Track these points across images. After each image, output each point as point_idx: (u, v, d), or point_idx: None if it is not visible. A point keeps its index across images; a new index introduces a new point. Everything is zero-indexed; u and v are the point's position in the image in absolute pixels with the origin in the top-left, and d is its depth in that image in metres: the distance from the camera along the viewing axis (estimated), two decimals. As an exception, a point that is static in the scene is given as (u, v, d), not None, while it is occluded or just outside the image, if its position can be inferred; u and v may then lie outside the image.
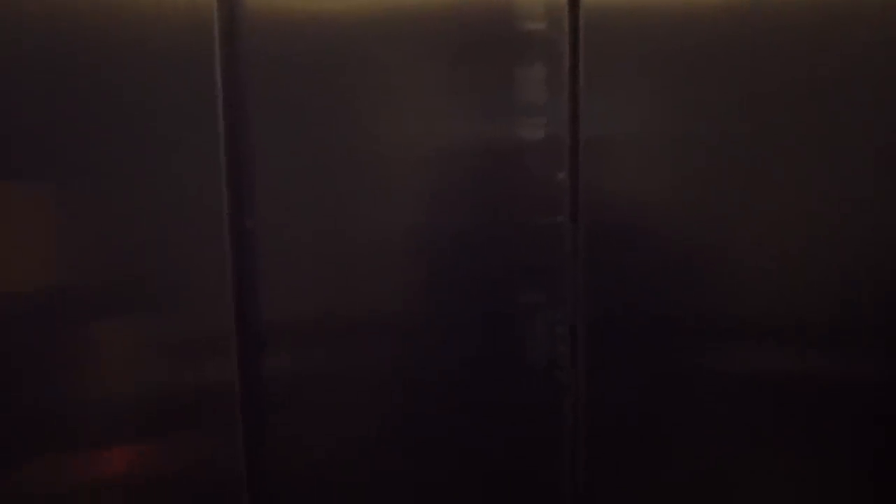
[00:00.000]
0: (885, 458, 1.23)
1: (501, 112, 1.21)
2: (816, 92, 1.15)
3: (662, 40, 1.16)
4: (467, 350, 1.28)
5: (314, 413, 1.33)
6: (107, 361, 1.34)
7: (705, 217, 1.21)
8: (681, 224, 1.22)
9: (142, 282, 1.30)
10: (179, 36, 1.21)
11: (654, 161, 1.20)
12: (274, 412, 1.32)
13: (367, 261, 1.27)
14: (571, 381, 1.24)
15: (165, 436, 1.35)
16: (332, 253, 1.28)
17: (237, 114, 1.22)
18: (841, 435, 1.23)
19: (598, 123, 1.18)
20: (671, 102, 1.18)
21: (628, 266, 1.21)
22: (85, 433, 1.34)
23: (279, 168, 1.25)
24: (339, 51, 1.21)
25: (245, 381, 1.30)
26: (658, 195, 1.21)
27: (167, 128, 1.23)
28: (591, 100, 1.17)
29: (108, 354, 1.34)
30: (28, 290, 1.30)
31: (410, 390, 1.30)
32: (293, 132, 1.24)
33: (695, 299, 1.23)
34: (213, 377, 1.31)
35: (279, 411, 1.32)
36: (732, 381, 1.23)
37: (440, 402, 1.29)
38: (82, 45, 1.22)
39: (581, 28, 1.16)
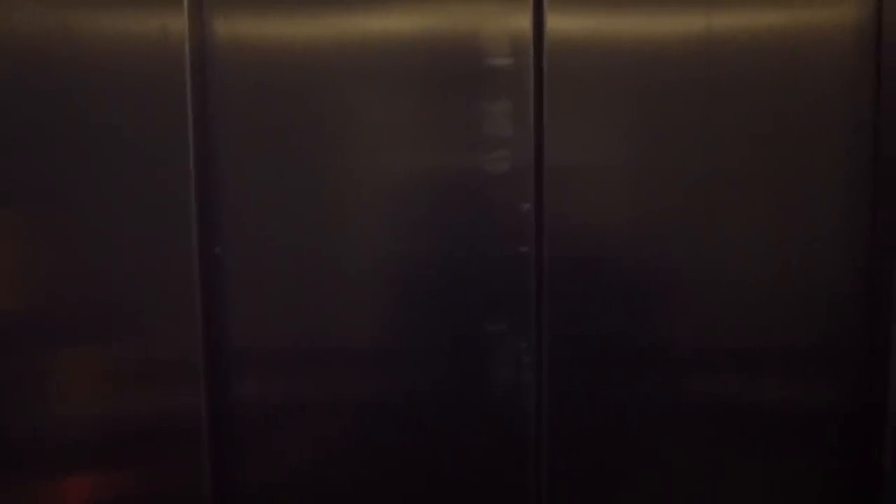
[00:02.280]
0: (844, 480, 1.26)
1: (468, 144, 1.23)
2: (774, 126, 1.20)
3: (624, 76, 1.19)
4: (434, 376, 1.29)
5: (281, 438, 1.33)
6: (74, 387, 1.33)
7: (666, 246, 1.24)
8: (643, 253, 1.25)
9: (110, 308, 1.30)
10: (151, 66, 1.21)
11: (616, 192, 1.23)
12: (241, 437, 1.32)
13: (333, 288, 1.28)
14: (535, 407, 1.26)
15: (131, 462, 1.34)
16: (300, 280, 1.28)
17: (207, 142, 1.23)
18: (799, 459, 1.26)
19: (563, 156, 1.21)
20: (633, 136, 1.21)
21: (592, 295, 1.23)
22: (50, 459, 1.33)
23: (249, 195, 1.26)
24: (308, 81, 1.23)
25: (212, 406, 1.30)
26: (620, 225, 1.24)
27: (138, 156, 1.23)
28: (555, 133, 1.20)
29: (75, 380, 1.33)
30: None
31: (377, 416, 1.31)
32: (263, 161, 1.25)
33: (656, 326, 1.25)
34: (181, 402, 1.31)
35: (246, 436, 1.32)
36: (692, 405, 1.26)
37: (407, 427, 1.30)
38: (55, 74, 1.22)
39: (545, 64, 1.19)
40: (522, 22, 1.19)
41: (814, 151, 1.20)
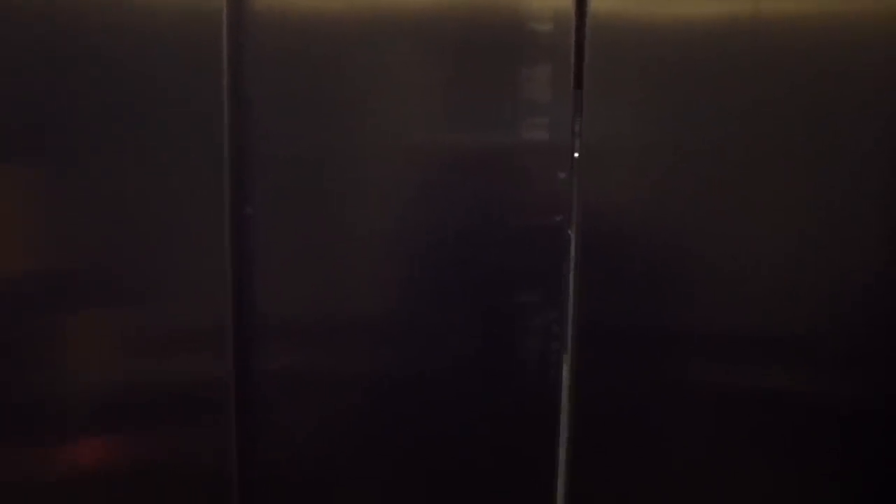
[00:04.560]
0: (873, 467, 1.23)
1: (504, 111, 1.22)
2: (816, 104, 1.17)
3: (667, 48, 1.17)
4: (464, 347, 1.28)
5: (308, 408, 1.33)
6: (100, 352, 1.34)
7: (702, 225, 1.22)
8: (677, 231, 1.23)
9: (139, 272, 1.30)
10: (188, 31, 1.21)
11: (653, 167, 1.22)
12: (267, 407, 1.32)
13: (364, 257, 1.28)
14: (564, 380, 1.24)
15: (157, 428, 1.34)
16: (330, 248, 1.28)
17: (242, 106, 1.23)
18: (828, 447, 1.23)
19: (601, 127, 1.19)
20: (674, 109, 1.20)
21: (624, 267, 1.22)
22: (74, 424, 1.33)
23: (281, 160, 1.26)
24: (344, 49, 1.22)
25: (239, 376, 1.29)
26: (656, 201, 1.22)
27: (172, 120, 1.23)
28: (594, 103, 1.18)
29: (102, 345, 1.34)
30: (20, 278, 1.30)
31: (406, 387, 1.30)
32: (296, 126, 1.24)
33: (686, 305, 1.24)
34: (208, 368, 1.30)
35: (273, 406, 1.32)
36: (719, 388, 1.24)
37: (436, 399, 1.30)
38: (93, 40, 1.22)
39: (587, 32, 1.17)
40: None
41: (860, 131, 1.17)
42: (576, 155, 1.19)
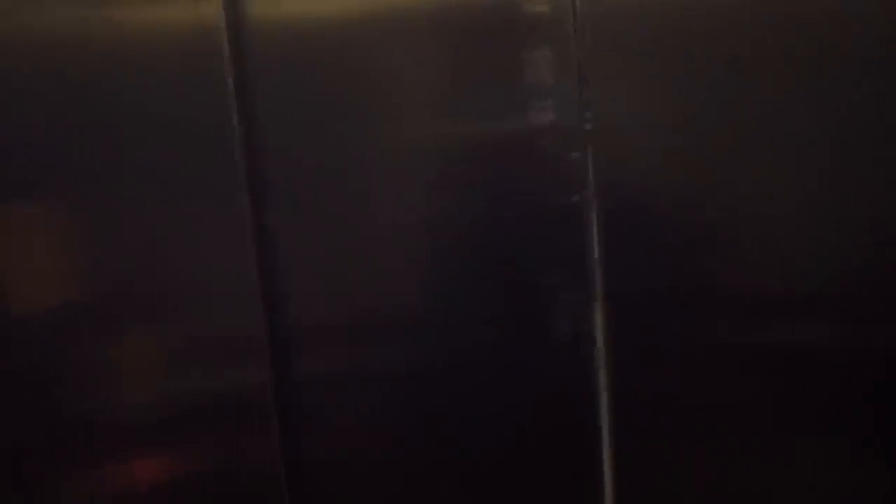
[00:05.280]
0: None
1: (510, 96, 1.21)
2: (822, 71, 1.15)
3: (669, 18, 1.16)
4: (497, 335, 1.29)
5: (349, 407, 1.34)
6: (140, 371, 1.36)
7: (718, 188, 1.22)
8: (694, 196, 1.23)
9: (172, 292, 1.32)
10: (189, 43, 1.22)
11: (664, 137, 1.21)
12: (310, 409, 1.33)
13: (388, 253, 1.29)
14: (596, 356, 1.25)
15: (203, 440, 1.37)
16: (355, 248, 1.29)
17: (251, 117, 1.24)
18: (864, 408, 1.23)
19: (609, 103, 1.19)
20: (679, 78, 1.19)
21: (645, 239, 1.22)
22: (118, 442, 1.36)
23: (295, 165, 1.26)
24: (346, 44, 1.22)
25: (279, 381, 1.31)
26: (670, 172, 1.22)
27: (185, 137, 1.25)
28: (599, 80, 1.18)
29: (141, 365, 1.36)
30: (62, 307, 1.32)
31: (443, 378, 1.31)
32: (306, 128, 1.25)
33: (710, 268, 1.23)
34: (247, 378, 1.32)
35: (315, 408, 1.34)
36: (750, 353, 1.24)
37: (474, 388, 1.30)
38: (95, 62, 1.23)
39: (584, 8, 1.16)
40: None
41: (870, 97, 1.16)
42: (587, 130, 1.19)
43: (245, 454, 1.37)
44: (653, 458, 1.29)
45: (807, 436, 1.26)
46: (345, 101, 1.23)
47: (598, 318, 1.24)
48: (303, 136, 1.25)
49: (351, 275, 1.30)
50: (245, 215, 1.25)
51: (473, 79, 1.22)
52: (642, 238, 1.22)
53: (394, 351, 1.32)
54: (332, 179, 1.26)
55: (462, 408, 1.31)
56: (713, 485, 1.28)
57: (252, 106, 1.23)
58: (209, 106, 1.23)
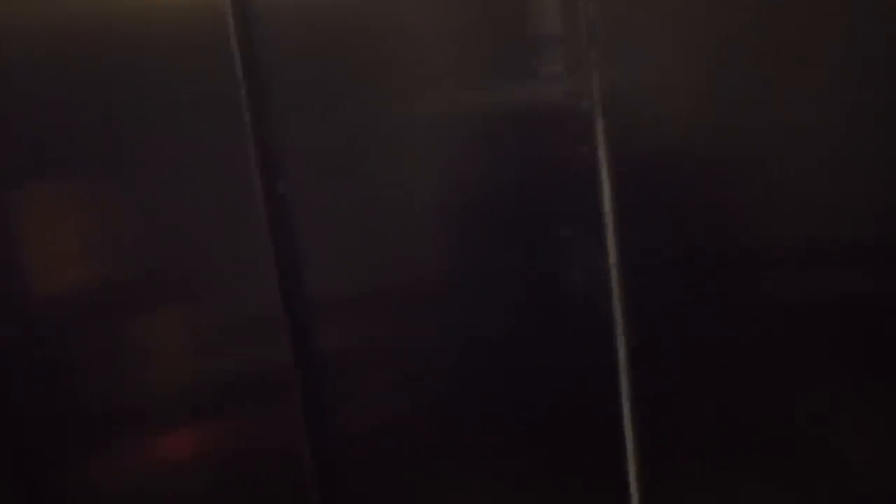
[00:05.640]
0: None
1: (520, 50, 1.20)
2: (839, 20, 1.12)
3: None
4: (514, 296, 1.28)
5: (370, 380, 1.34)
6: (164, 351, 1.37)
7: (732, 141, 1.19)
8: (709, 151, 1.21)
9: (191, 273, 1.32)
10: (196, 18, 1.22)
11: (676, 89, 1.19)
12: (331, 383, 1.33)
13: (404, 221, 1.28)
14: (613, 311, 1.24)
15: (229, 417, 1.38)
16: (370, 221, 1.28)
17: (259, 92, 1.24)
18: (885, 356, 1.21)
19: (618, 55, 1.17)
20: (690, 31, 1.16)
21: (657, 193, 1.20)
22: (140, 421, 1.37)
23: (306, 137, 1.26)
24: (351, 13, 1.22)
25: (298, 356, 1.31)
26: (683, 121, 1.20)
27: (193, 114, 1.25)
28: (609, 31, 1.16)
29: (164, 345, 1.37)
30: (81, 289, 1.33)
31: (464, 345, 1.31)
32: (316, 100, 1.25)
33: (725, 222, 1.22)
34: (269, 355, 1.32)
35: (336, 381, 1.34)
36: (769, 307, 1.21)
37: (489, 351, 1.30)
38: (106, 44, 1.24)
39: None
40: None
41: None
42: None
43: (269, 431, 1.37)
44: (673, 420, 1.27)
45: (837, 397, 1.24)
46: (352, 71, 1.23)
47: (614, 273, 1.23)
48: (312, 105, 1.25)
49: (367, 246, 1.30)
50: (258, 191, 1.26)
51: (483, 36, 1.21)
52: (654, 191, 1.20)
53: (412, 320, 1.32)
54: (343, 147, 1.26)
55: (482, 374, 1.31)
56: (737, 446, 1.27)
57: (259, 77, 1.23)
58: (217, 79, 1.23)
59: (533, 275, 1.27)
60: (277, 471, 1.37)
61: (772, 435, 1.24)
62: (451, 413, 1.34)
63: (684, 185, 1.20)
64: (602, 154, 1.19)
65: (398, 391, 1.35)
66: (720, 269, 1.21)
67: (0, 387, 1.36)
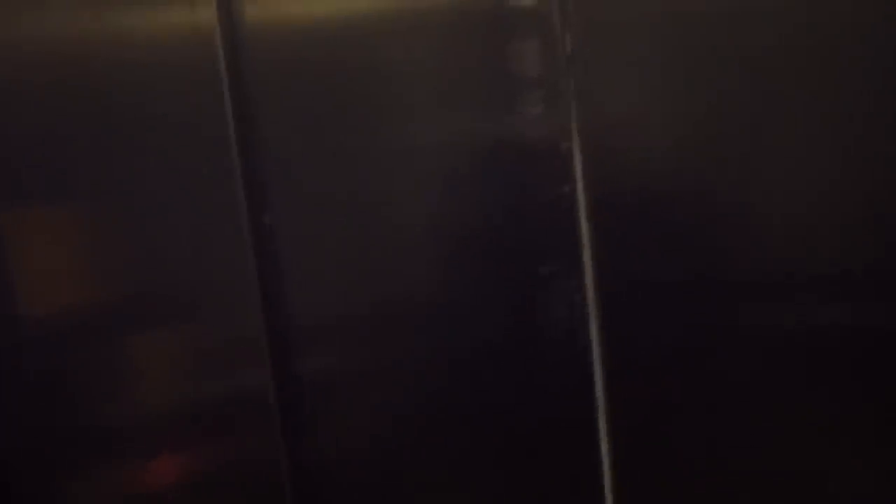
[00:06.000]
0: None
1: (500, 90, 1.23)
2: (816, 50, 1.14)
3: (656, 7, 1.16)
4: (494, 328, 1.30)
5: (351, 406, 1.35)
6: (138, 373, 1.38)
7: (710, 178, 1.22)
8: (686, 187, 1.23)
9: (172, 296, 1.33)
10: (184, 47, 1.24)
11: (655, 126, 1.21)
12: (311, 409, 1.34)
13: (385, 251, 1.30)
14: (591, 346, 1.26)
15: (207, 442, 1.38)
16: (352, 248, 1.30)
17: (247, 122, 1.26)
18: (862, 387, 1.23)
19: (596, 92, 1.20)
20: (669, 69, 1.19)
21: (638, 230, 1.22)
22: (119, 445, 1.38)
23: (293, 165, 1.28)
24: (339, 45, 1.24)
25: (279, 382, 1.32)
26: (662, 159, 1.22)
27: (181, 143, 1.27)
28: (587, 69, 1.19)
29: (144, 368, 1.37)
30: (60, 308, 1.34)
31: (443, 374, 1.32)
32: (303, 130, 1.27)
33: (703, 259, 1.23)
34: (250, 380, 1.34)
35: (317, 407, 1.35)
36: (747, 339, 1.23)
37: (473, 381, 1.31)
38: (93, 71, 1.26)
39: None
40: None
41: (871, 71, 1.13)
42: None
43: (248, 455, 1.38)
44: (651, 451, 1.29)
45: (803, 428, 1.26)
46: (338, 101, 1.25)
47: (592, 310, 1.24)
48: (298, 136, 1.27)
49: (348, 273, 1.31)
50: (243, 215, 1.27)
51: (463, 74, 1.23)
52: (633, 228, 1.22)
53: (392, 348, 1.33)
54: (328, 179, 1.28)
55: (461, 403, 1.32)
56: (713, 478, 1.28)
57: (248, 107, 1.25)
58: (205, 107, 1.25)
59: (512, 307, 1.28)
60: (257, 495, 1.38)
61: (750, 462, 1.26)
62: (431, 439, 1.35)
63: (663, 222, 1.22)
64: (580, 191, 1.21)
65: (378, 416, 1.36)
66: (698, 304, 1.23)
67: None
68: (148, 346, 1.36)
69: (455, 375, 1.31)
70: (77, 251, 1.34)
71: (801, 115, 1.17)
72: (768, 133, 1.18)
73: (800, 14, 1.14)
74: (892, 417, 1.21)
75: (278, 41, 1.25)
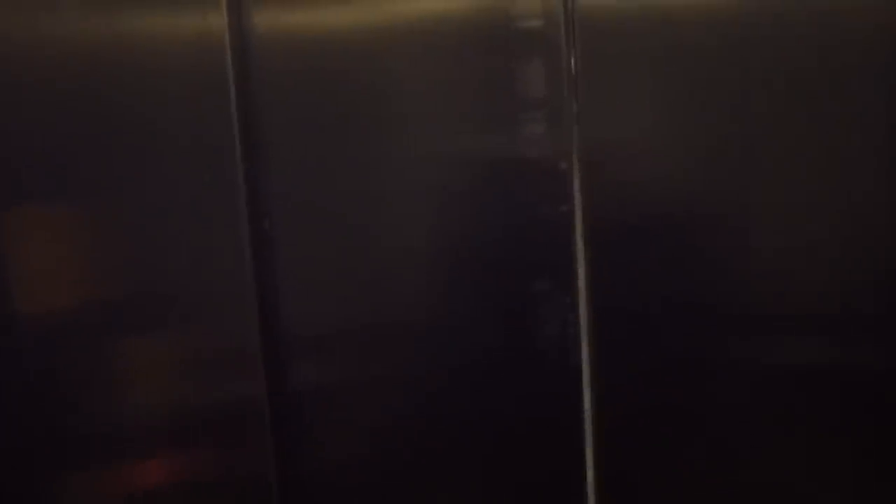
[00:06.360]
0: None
1: (503, 109, 1.24)
2: (820, 82, 1.16)
3: (659, 33, 1.18)
4: (488, 343, 1.31)
5: (343, 418, 1.35)
6: (132, 377, 1.37)
7: (706, 204, 1.23)
8: (682, 212, 1.24)
9: (168, 300, 1.34)
10: (193, 54, 1.25)
11: (654, 150, 1.23)
12: (304, 420, 1.34)
13: (382, 265, 1.31)
14: (581, 363, 1.26)
15: (198, 450, 1.38)
16: (350, 261, 1.31)
17: (252, 129, 1.27)
18: (867, 430, 1.23)
19: (598, 115, 1.21)
20: (670, 94, 1.21)
21: (634, 252, 1.23)
22: (109, 450, 1.37)
23: (295, 177, 1.29)
24: (347, 56, 1.25)
25: (273, 392, 1.32)
26: (659, 183, 1.24)
27: (186, 147, 1.27)
28: (590, 92, 1.20)
29: (137, 372, 1.37)
30: (54, 310, 1.34)
31: (436, 388, 1.33)
32: (307, 141, 1.28)
33: (696, 284, 1.24)
34: (242, 387, 1.34)
35: (309, 419, 1.35)
36: (737, 368, 1.24)
37: (465, 396, 1.32)
38: (101, 74, 1.27)
39: (576, 23, 1.19)
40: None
41: (873, 105, 1.15)
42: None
43: (238, 464, 1.38)
44: (636, 470, 1.29)
45: (804, 460, 1.26)
46: (343, 112, 1.26)
47: (584, 328, 1.25)
48: (302, 144, 1.28)
49: (344, 286, 1.31)
50: (243, 225, 1.27)
51: (468, 92, 1.25)
52: (628, 250, 1.23)
53: (388, 361, 1.34)
54: (328, 189, 1.29)
55: (456, 416, 1.33)
56: (700, 493, 1.28)
57: (253, 115, 1.26)
58: (211, 114, 1.26)
59: (505, 322, 1.29)
60: (246, 502, 1.38)
61: (738, 493, 1.26)
62: (423, 450, 1.35)
63: (658, 246, 1.23)
64: (577, 211, 1.21)
65: (370, 428, 1.36)
66: (690, 330, 1.24)
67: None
68: (141, 350, 1.36)
69: (448, 387, 1.32)
70: (74, 252, 1.33)
71: (803, 145, 1.18)
72: (768, 162, 1.19)
73: (801, 41, 1.15)
74: (880, 453, 1.22)
75: (287, 50, 1.26)
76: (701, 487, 1.28)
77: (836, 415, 1.23)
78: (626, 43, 1.19)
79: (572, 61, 1.20)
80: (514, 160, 1.25)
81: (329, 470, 1.37)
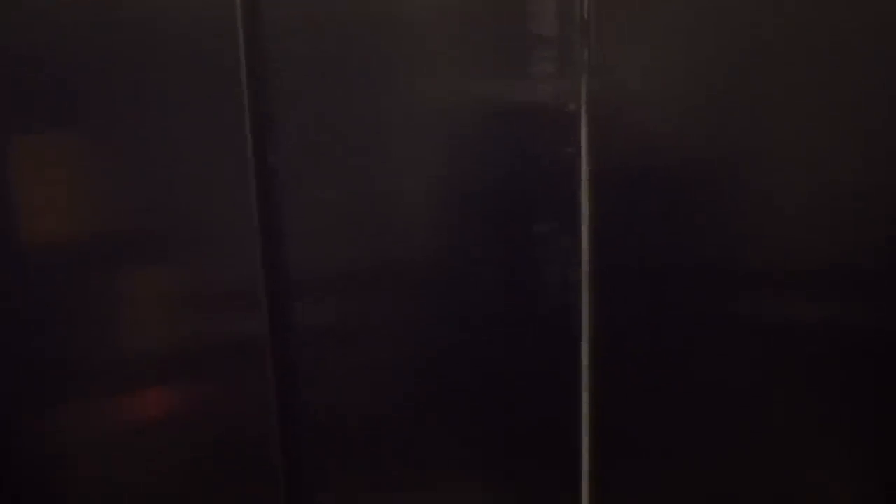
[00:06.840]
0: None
1: (513, 48, 1.23)
2: (832, 24, 1.13)
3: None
4: (489, 282, 1.31)
5: (344, 359, 1.36)
6: (137, 313, 1.39)
7: (715, 151, 1.21)
8: (687, 164, 1.23)
9: (173, 236, 1.34)
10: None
11: (664, 97, 1.21)
12: (305, 360, 1.35)
13: (388, 205, 1.31)
14: (582, 305, 1.26)
15: (201, 385, 1.39)
16: (355, 201, 1.31)
17: (259, 57, 1.26)
18: (840, 381, 1.22)
19: (609, 60, 1.20)
20: (682, 41, 1.19)
21: (635, 201, 1.22)
22: (111, 379, 1.39)
23: (301, 116, 1.29)
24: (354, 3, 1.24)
25: (275, 332, 1.33)
26: (668, 130, 1.23)
27: (191, 74, 1.27)
28: (601, 36, 1.19)
29: (139, 306, 1.38)
30: (58, 241, 1.35)
31: (438, 327, 1.33)
32: (314, 83, 1.27)
33: (702, 238, 1.23)
34: (245, 329, 1.34)
35: (311, 359, 1.36)
36: (743, 322, 1.24)
37: (465, 336, 1.33)
38: (118, 22, 1.26)
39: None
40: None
41: (883, 51, 1.13)
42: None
43: (239, 398, 1.39)
44: (631, 417, 1.30)
45: (805, 423, 1.26)
46: (351, 48, 1.25)
47: (585, 272, 1.25)
48: (309, 78, 1.27)
49: (350, 225, 1.31)
50: (248, 159, 1.27)
51: (477, 34, 1.24)
52: (632, 194, 1.23)
53: (389, 302, 1.34)
54: (338, 132, 1.28)
55: (457, 355, 1.33)
56: (695, 459, 1.29)
57: (261, 47, 1.25)
58: (218, 44, 1.25)
59: (508, 265, 1.29)
60: (244, 437, 1.39)
61: (733, 457, 1.26)
62: (422, 393, 1.36)
63: (664, 194, 1.22)
64: (584, 155, 1.21)
65: (368, 371, 1.37)
66: (692, 281, 1.24)
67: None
68: (143, 283, 1.37)
69: (448, 331, 1.33)
70: (75, 185, 1.34)
71: (816, 99, 1.16)
72: (781, 111, 1.17)
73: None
74: (886, 416, 1.21)
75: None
76: (698, 442, 1.28)
77: (839, 372, 1.22)
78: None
79: (584, 4, 1.18)
80: (523, 100, 1.24)
81: (328, 409, 1.38)
